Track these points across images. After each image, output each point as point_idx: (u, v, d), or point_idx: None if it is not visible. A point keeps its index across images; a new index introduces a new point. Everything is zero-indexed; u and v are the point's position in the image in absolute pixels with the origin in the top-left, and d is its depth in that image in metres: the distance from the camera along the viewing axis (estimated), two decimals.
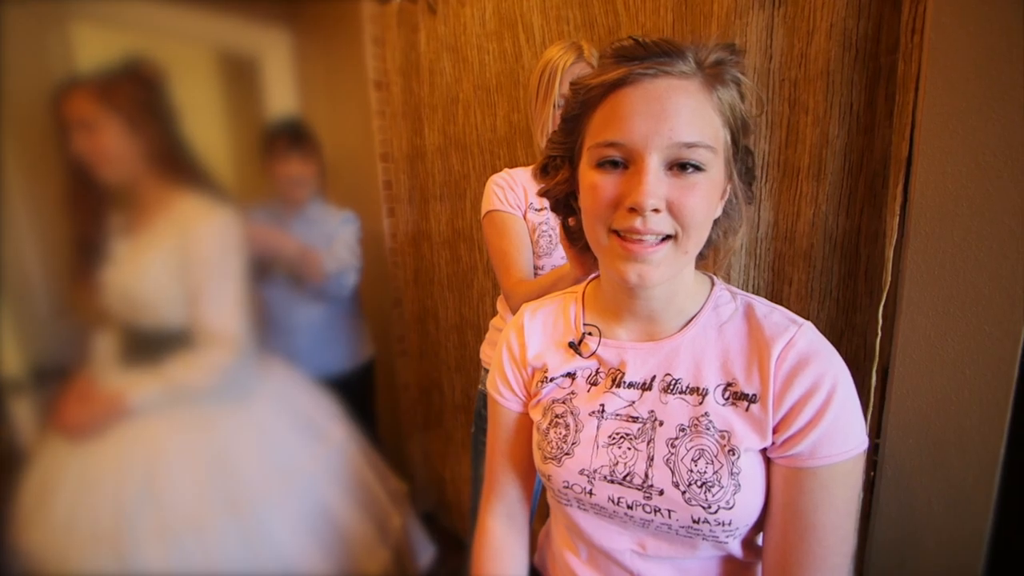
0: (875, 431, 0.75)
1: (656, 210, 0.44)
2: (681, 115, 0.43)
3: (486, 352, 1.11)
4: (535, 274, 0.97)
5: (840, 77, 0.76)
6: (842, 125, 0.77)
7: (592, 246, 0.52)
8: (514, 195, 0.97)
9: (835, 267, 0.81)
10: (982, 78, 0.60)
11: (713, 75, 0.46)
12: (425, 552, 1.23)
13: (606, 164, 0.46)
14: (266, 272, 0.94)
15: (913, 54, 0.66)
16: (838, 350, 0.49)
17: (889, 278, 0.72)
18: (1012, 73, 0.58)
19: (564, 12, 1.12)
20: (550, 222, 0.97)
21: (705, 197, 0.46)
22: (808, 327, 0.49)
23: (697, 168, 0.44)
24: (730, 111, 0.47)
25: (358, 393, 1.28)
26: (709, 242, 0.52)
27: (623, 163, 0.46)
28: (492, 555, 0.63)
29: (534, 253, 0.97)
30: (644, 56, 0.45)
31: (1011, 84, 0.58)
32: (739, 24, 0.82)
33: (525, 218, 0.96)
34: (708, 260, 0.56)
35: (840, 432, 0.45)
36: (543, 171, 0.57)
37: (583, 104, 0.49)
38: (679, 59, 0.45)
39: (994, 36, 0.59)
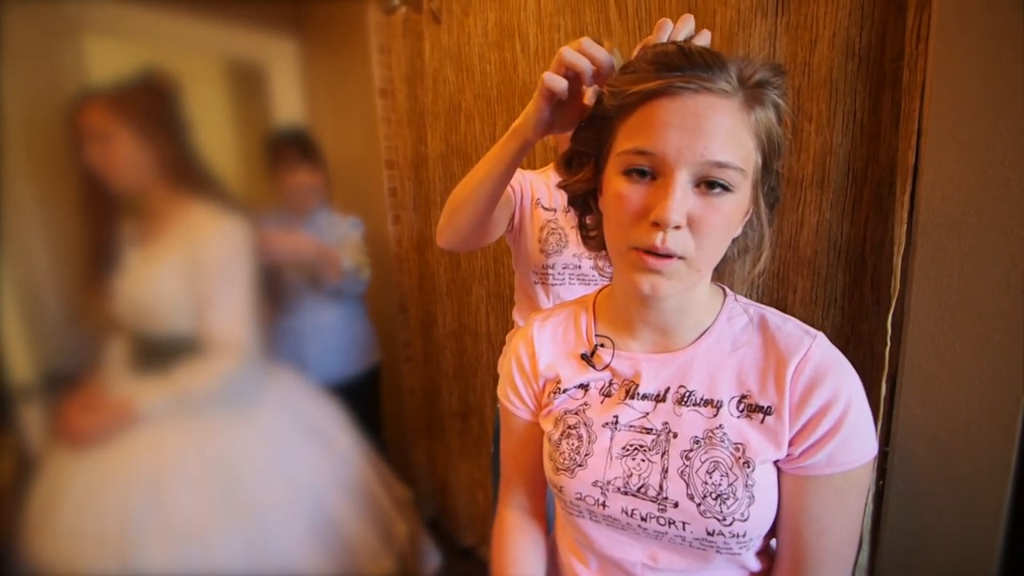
0: (884, 440, 0.74)
1: (678, 226, 0.44)
2: (717, 134, 0.42)
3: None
4: (546, 274, 0.95)
5: (843, 85, 0.76)
6: (845, 133, 0.77)
7: (609, 251, 0.52)
8: (525, 181, 0.95)
9: (840, 275, 0.81)
10: (988, 85, 0.60)
11: (754, 96, 0.45)
12: (431, 560, 1.23)
13: (633, 173, 0.45)
14: (281, 278, 0.95)
15: (918, 62, 0.66)
16: None
17: (898, 286, 0.71)
18: (1017, 79, 0.58)
19: (556, 20, 1.13)
20: (559, 220, 0.94)
21: (726, 218, 0.45)
22: (821, 338, 0.49)
23: (725, 188, 0.44)
24: (765, 134, 0.46)
25: (365, 398, 1.29)
26: (724, 258, 0.51)
27: (651, 173, 0.45)
28: (510, 538, 0.64)
29: (542, 251, 0.94)
30: (686, 67, 0.43)
31: (1017, 90, 0.58)
32: (742, 34, 0.82)
33: (533, 212, 0.95)
34: (722, 274, 0.56)
35: (856, 441, 0.45)
36: (567, 164, 0.55)
37: (617, 108, 0.47)
38: (722, 74, 0.43)
39: (999, 42, 0.59)
